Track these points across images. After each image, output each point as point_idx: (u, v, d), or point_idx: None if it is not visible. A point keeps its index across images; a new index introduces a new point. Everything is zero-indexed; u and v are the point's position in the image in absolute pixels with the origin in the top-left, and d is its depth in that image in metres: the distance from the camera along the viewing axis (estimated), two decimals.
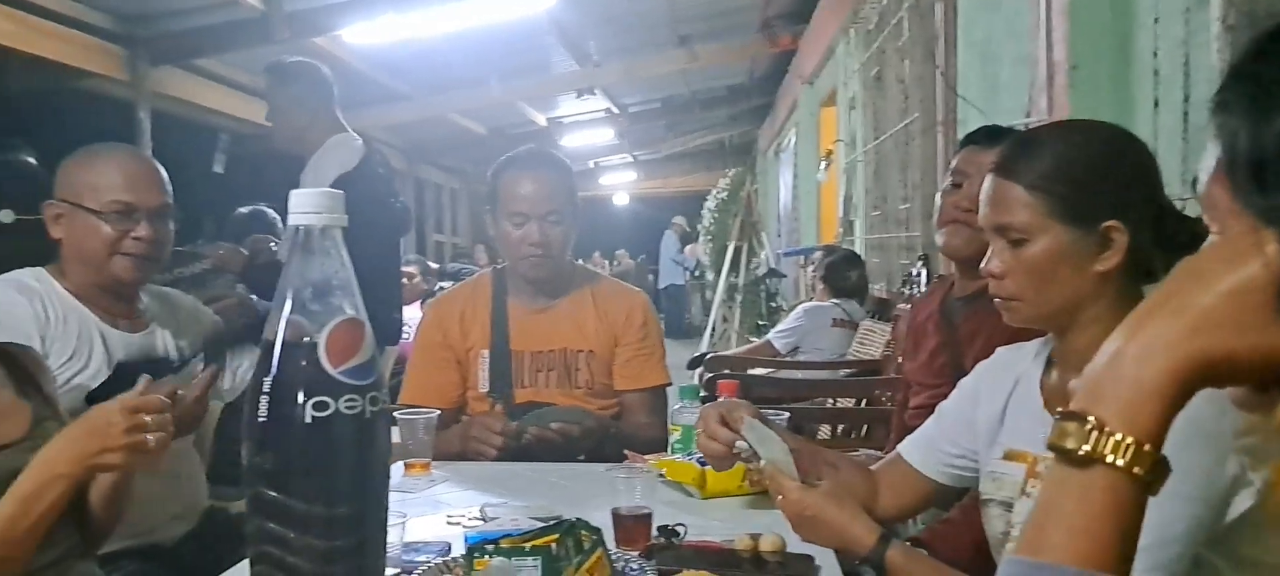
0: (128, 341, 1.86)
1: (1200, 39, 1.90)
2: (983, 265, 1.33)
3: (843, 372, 4.00)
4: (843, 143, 6.43)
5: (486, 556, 1.17)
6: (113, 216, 1.79)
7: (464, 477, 1.85)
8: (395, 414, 1.81)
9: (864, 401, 3.63)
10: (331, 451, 0.78)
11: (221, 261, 3.14)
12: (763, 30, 7.71)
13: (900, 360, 3.49)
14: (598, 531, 1.24)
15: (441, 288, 6.23)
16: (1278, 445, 0.98)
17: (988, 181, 1.31)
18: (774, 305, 8.73)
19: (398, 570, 1.27)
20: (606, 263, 15.63)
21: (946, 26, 3.73)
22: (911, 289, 4.02)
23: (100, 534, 1.51)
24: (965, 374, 1.52)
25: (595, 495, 1.58)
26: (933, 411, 1.53)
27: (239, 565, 1.34)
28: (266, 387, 0.77)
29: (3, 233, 2.69)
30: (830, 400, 3.78)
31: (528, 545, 1.17)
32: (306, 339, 0.78)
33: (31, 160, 4.34)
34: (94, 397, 1.72)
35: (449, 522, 1.54)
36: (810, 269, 6.17)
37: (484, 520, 1.54)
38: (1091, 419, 0.58)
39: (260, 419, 0.77)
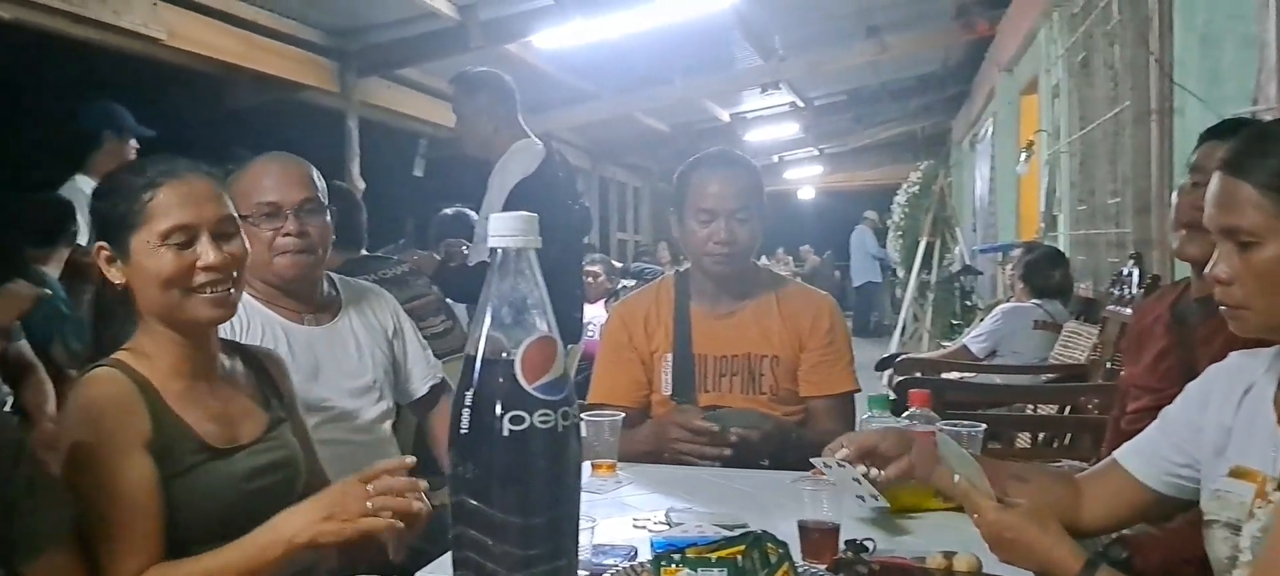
0: (312, 335, 1.98)
1: None
2: (1207, 269, 1.23)
3: (1044, 378, 3.80)
4: (1045, 133, 6.09)
5: (674, 565, 1.17)
6: (261, 218, 1.90)
7: (649, 480, 1.87)
8: (582, 414, 1.85)
9: (1068, 409, 3.42)
10: (526, 464, 0.81)
11: (418, 265, 3.34)
12: (958, 17, 7.40)
13: (1110, 365, 3.29)
14: (784, 545, 1.22)
15: (624, 286, 6.35)
16: None
17: (1215, 180, 1.21)
18: (968, 305, 8.39)
19: (587, 573, 1.29)
20: (790, 259, 15.36)
21: (1161, 8, 3.47)
22: (1122, 289, 3.77)
23: None
24: (1195, 377, 1.41)
25: (780, 505, 1.56)
26: (1154, 417, 1.42)
27: (439, 559, 1.40)
28: (468, 401, 0.81)
29: None
30: (1030, 407, 3.59)
31: (714, 556, 1.17)
32: (504, 355, 0.81)
33: None
34: None
35: (635, 526, 1.56)
36: (1009, 267, 5.88)
37: (669, 525, 1.55)
38: None
39: (462, 430, 0.81)
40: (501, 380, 0.80)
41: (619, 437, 1.88)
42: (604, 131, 9.63)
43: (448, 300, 3.15)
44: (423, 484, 1.39)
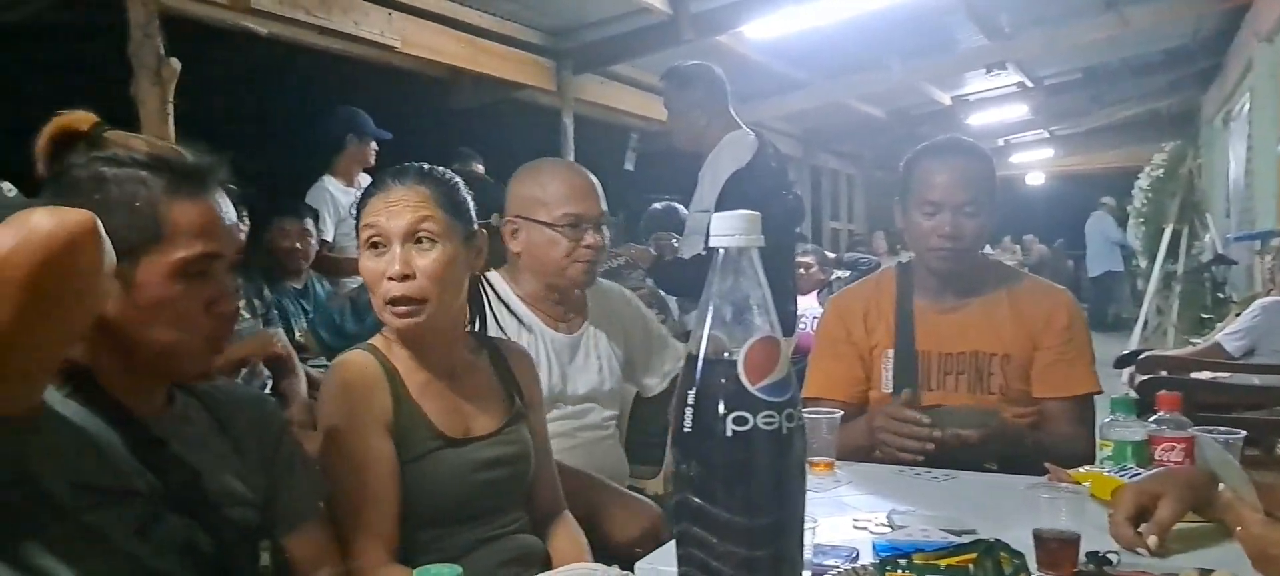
0: (558, 342, 2.08)
1: None
2: None
3: None
4: None
5: (899, 570, 1.13)
6: (565, 228, 1.99)
7: (868, 480, 1.82)
8: None
9: None
10: (750, 465, 0.80)
11: (633, 258, 3.40)
12: None
13: None
14: (1020, 555, 1.15)
15: (837, 277, 6.22)
16: None
17: None
18: (1221, 298, 7.68)
19: (808, 573, 1.27)
20: (1016, 248, 14.52)
21: None
22: None
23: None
24: None
25: (1011, 512, 1.47)
26: None
27: (661, 550, 1.42)
28: (690, 400, 0.81)
29: None
30: None
31: (943, 563, 1.12)
32: (726, 355, 0.81)
33: (480, 169, 4.94)
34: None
35: (856, 527, 1.52)
36: (1268, 257, 5.33)
37: (891, 527, 1.50)
38: None
39: (685, 429, 0.81)
40: (724, 380, 0.80)
41: (837, 435, 1.84)
42: (816, 119, 9.48)
43: (661, 293, 3.19)
44: None
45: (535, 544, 1.66)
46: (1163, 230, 8.45)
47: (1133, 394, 2.38)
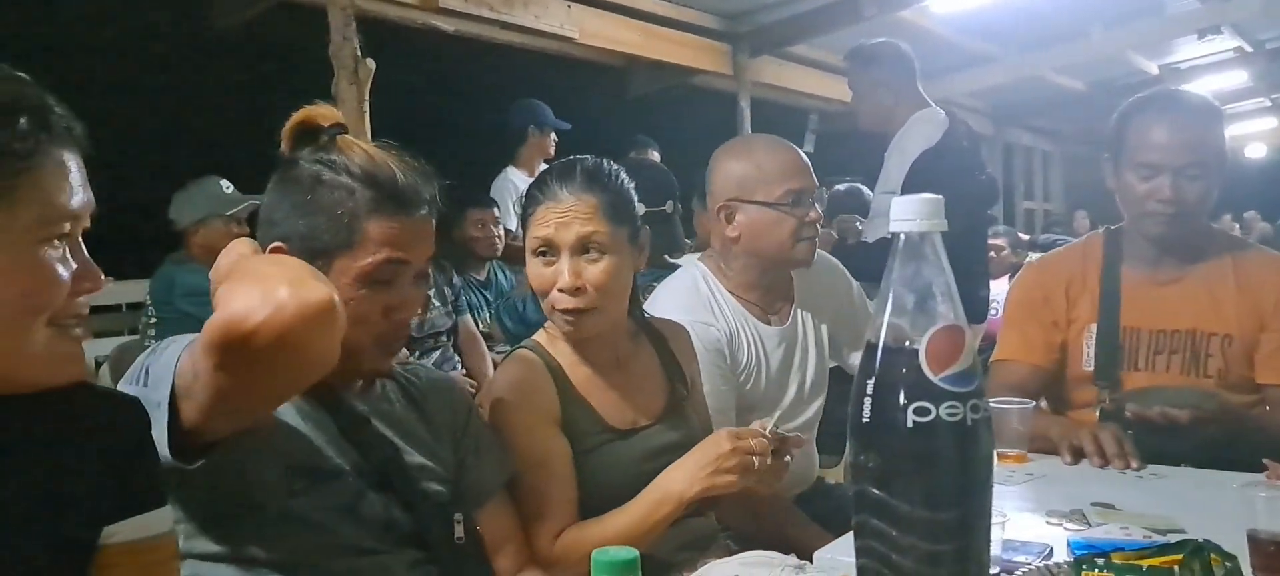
0: (768, 334, 1.97)
1: None
2: None
3: None
4: None
5: (1097, 569, 1.07)
6: (788, 206, 1.88)
7: (1062, 473, 1.73)
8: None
9: None
10: (933, 457, 0.78)
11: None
12: None
13: None
14: (1232, 558, 1.07)
15: (1031, 260, 5.91)
16: None
17: None
18: None
19: (997, 569, 1.22)
20: (1236, 226, 13.34)
21: None
22: None
23: None
24: None
25: (1223, 510, 1.36)
26: None
27: (840, 541, 1.40)
28: (869, 390, 0.79)
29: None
30: None
31: (1145, 564, 1.05)
32: (908, 344, 0.78)
33: (656, 156, 5.00)
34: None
35: (1048, 522, 1.45)
36: None
37: (1087, 524, 1.42)
38: None
39: (864, 419, 0.79)
40: (905, 370, 0.78)
41: (1029, 426, 1.75)
42: (1009, 94, 9.03)
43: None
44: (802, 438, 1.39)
45: (710, 527, 1.67)
46: None
47: None
